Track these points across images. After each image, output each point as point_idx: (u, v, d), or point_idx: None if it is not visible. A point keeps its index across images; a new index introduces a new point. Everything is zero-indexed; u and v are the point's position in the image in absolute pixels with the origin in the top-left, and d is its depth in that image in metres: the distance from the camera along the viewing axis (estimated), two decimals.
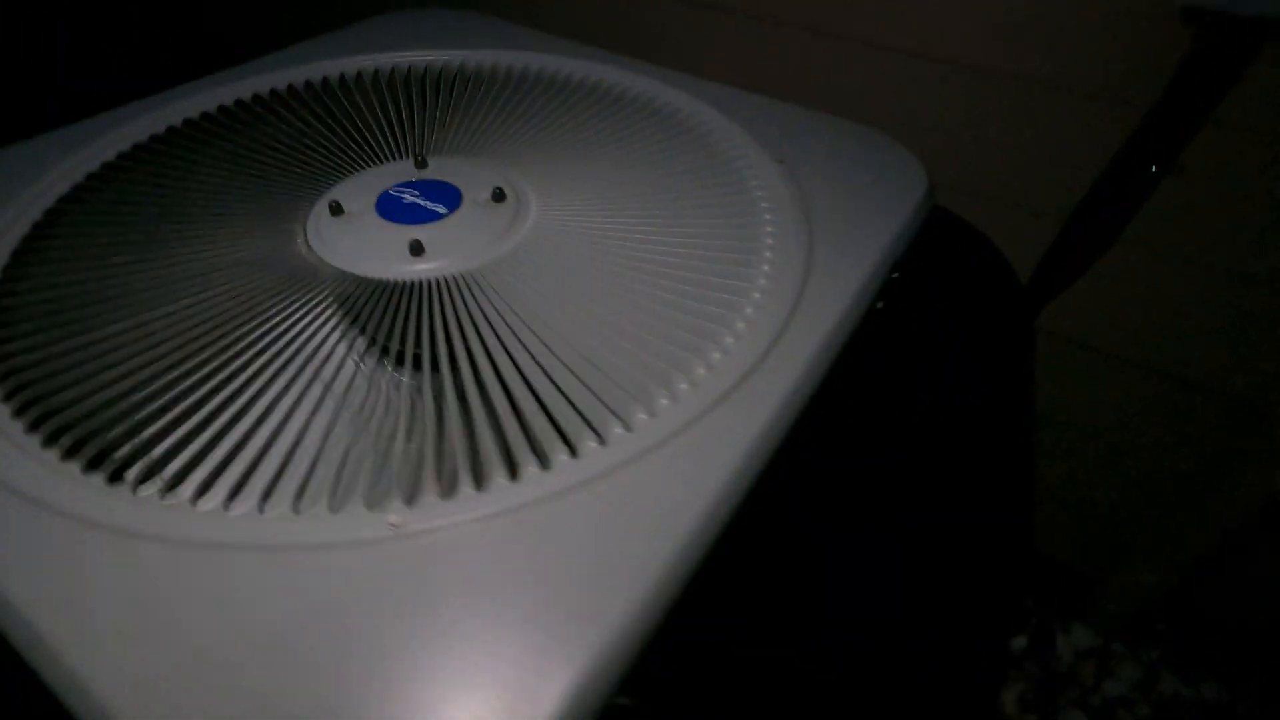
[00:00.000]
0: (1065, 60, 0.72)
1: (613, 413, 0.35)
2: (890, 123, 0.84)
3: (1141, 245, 0.79)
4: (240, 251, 0.46)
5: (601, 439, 0.34)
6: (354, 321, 0.41)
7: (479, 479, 0.33)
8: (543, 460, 0.33)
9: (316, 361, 0.38)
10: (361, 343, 0.39)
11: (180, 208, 0.49)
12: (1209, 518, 0.94)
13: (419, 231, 0.47)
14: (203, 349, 0.39)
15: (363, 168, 0.54)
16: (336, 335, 0.40)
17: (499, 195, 0.50)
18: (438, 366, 0.38)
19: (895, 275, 0.45)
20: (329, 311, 0.41)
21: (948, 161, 0.84)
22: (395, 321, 0.41)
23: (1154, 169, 0.71)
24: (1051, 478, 1.05)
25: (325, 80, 0.63)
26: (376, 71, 0.64)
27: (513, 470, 0.33)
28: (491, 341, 0.39)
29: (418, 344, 0.39)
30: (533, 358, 0.38)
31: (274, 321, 0.41)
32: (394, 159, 0.55)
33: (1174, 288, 0.82)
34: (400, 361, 0.39)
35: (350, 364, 0.38)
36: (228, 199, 0.50)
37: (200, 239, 0.47)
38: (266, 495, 0.32)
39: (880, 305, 0.43)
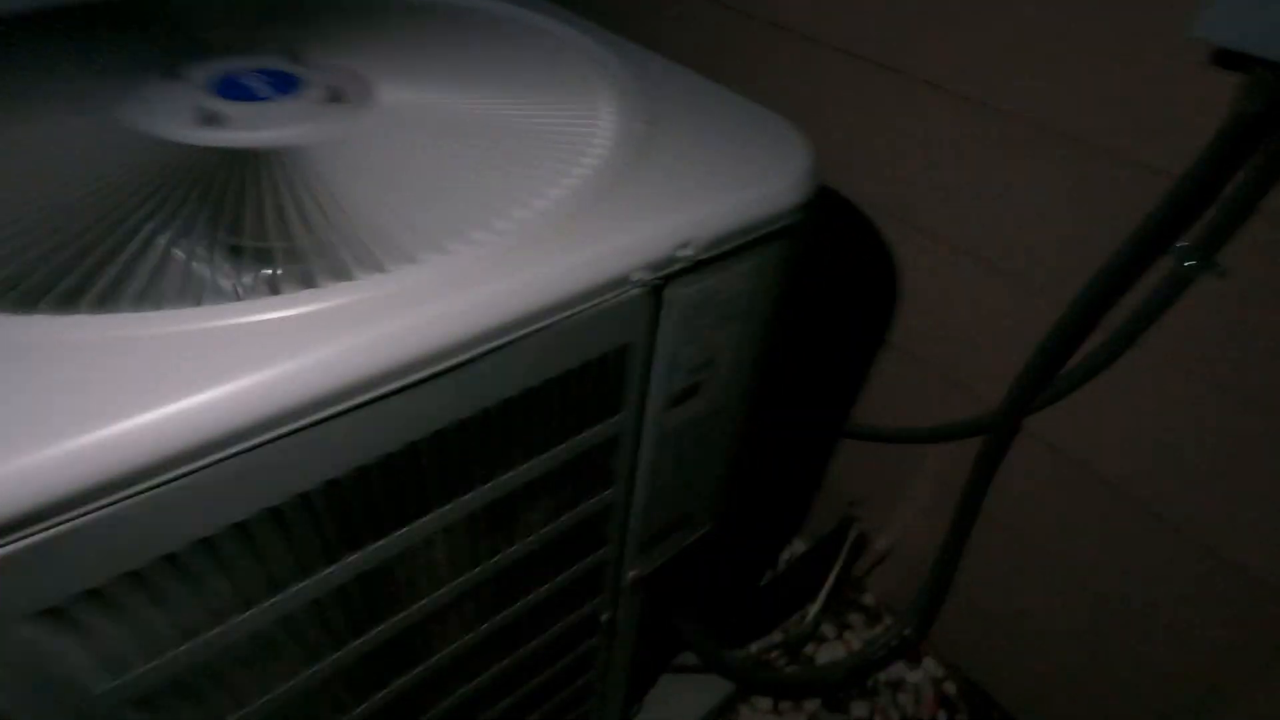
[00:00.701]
0: (1081, 110, 0.60)
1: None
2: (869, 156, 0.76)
3: (1194, 375, 0.63)
4: (66, 88, 0.46)
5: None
6: (131, 176, 0.39)
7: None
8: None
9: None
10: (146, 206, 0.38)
11: (57, 65, 0.50)
12: None
13: (231, 107, 0.44)
14: None
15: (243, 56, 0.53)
16: (110, 190, 0.38)
17: (336, 95, 0.47)
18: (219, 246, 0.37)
19: (687, 252, 0.37)
20: (109, 167, 0.40)
21: (926, 205, 0.74)
22: (174, 188, 0.39)
23: (1183, 258, 0.57)
24: (1054, 646, 0.86)
25: None
26: None
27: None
28: (245, 197, 0.39)
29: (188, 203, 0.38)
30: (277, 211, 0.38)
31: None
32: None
33: (1231, 439, 0.64)
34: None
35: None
36: (98, 63, 0.51)
37: (47, 89, 0.47)
38: None
39: (636, 278, 0.36)
